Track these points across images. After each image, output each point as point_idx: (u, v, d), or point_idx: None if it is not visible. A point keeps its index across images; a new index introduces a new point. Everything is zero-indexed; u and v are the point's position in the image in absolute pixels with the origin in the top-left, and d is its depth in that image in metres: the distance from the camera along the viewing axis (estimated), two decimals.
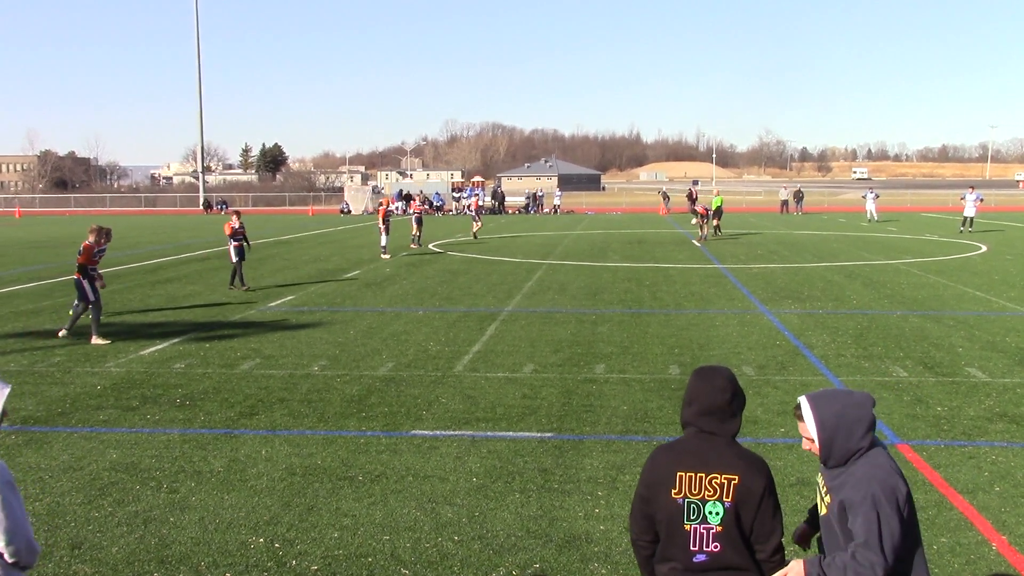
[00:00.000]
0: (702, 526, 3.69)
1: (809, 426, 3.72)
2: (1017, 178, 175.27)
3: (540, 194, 74.36)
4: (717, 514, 3.67)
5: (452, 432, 9.60)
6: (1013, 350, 13.58)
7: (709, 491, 3.68)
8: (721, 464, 3.70)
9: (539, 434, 9.49)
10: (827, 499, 3.75)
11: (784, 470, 8.28)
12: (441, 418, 10.15)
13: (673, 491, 3.74)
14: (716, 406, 3.74)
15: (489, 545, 6.73)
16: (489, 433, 9.55)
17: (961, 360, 12.92)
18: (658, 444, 5.75)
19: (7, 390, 3.84)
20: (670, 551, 3.78)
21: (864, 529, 3.52)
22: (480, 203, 47.19)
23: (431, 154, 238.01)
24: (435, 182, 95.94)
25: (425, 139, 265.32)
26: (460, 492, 7.83)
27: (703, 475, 3.70)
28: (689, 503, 3.71)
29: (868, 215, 51.16)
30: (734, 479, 3.67)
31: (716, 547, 3.69)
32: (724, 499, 3.67)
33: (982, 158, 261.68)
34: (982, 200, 41.35)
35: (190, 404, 10.86)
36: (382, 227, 30.75)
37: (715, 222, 39.00)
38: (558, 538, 6.85)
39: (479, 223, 41.41)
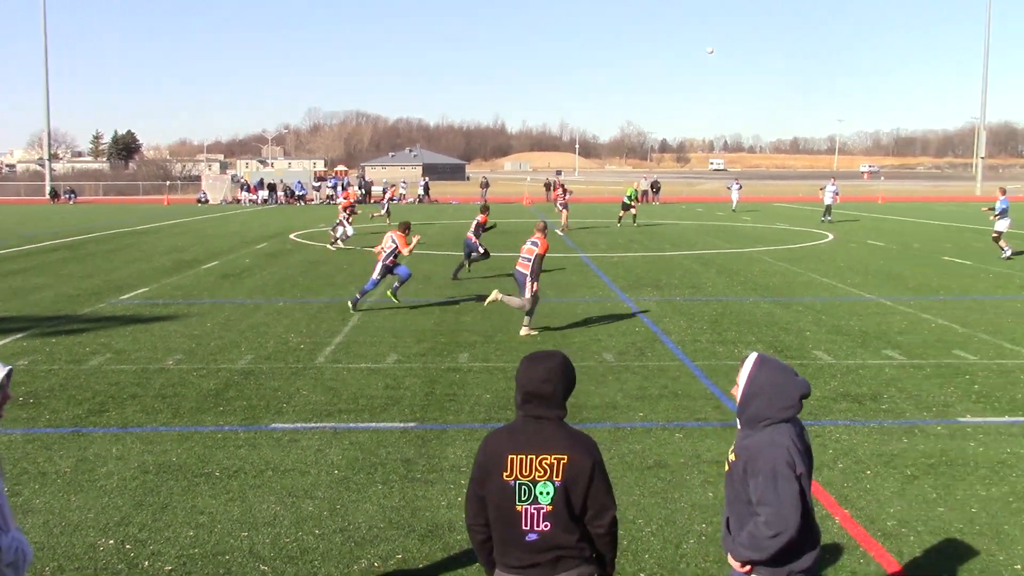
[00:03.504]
0: (532, 506, 3.83)
1: (742, 376, 4.05)
2: (862, 169, 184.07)
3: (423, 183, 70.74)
4: (548, 494, 3.81)
5: (313, 424, 9.46)
6: (856, 333, 14.28)
7: (539, 472, 3.82)
8: (550, 445, 3.83)
9: (402, 424, 9.45)
10: (732, 457, 4.07)
11: (642, 453, 8.49)
12: (302, 410, 9.98)
13: (504, 473, 3.86)
14: (539, 393, 3.87)
15: (351, 537, 6.67)
16: (351, 424, 9.45)
17: (808, 343, 13.50)
18: None
19: (5, 370, 3.88)
20: (503, 532, 3.89)
21: (762, 492, 3.87)
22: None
23: (293, 143, 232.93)
24: (297, 171, 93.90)
25: (287, 127, 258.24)
26: (321, 485, 7.72)
27: (533, 457, 3.83)
28: (520, 484, 3.83)
29: (733, 204, 53.03)
30: (563, 459, 3.81)
31: (546, 526, 3.83)
32: (554, 479, 3.81)
33: (830, 150, 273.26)
34: (837, 193, 43.59)
35: (34, 402, 10.36)
36: (346, 219, 29.18)
37: (624, 212, 38.88)
38: (420, 528, 6.83)
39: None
